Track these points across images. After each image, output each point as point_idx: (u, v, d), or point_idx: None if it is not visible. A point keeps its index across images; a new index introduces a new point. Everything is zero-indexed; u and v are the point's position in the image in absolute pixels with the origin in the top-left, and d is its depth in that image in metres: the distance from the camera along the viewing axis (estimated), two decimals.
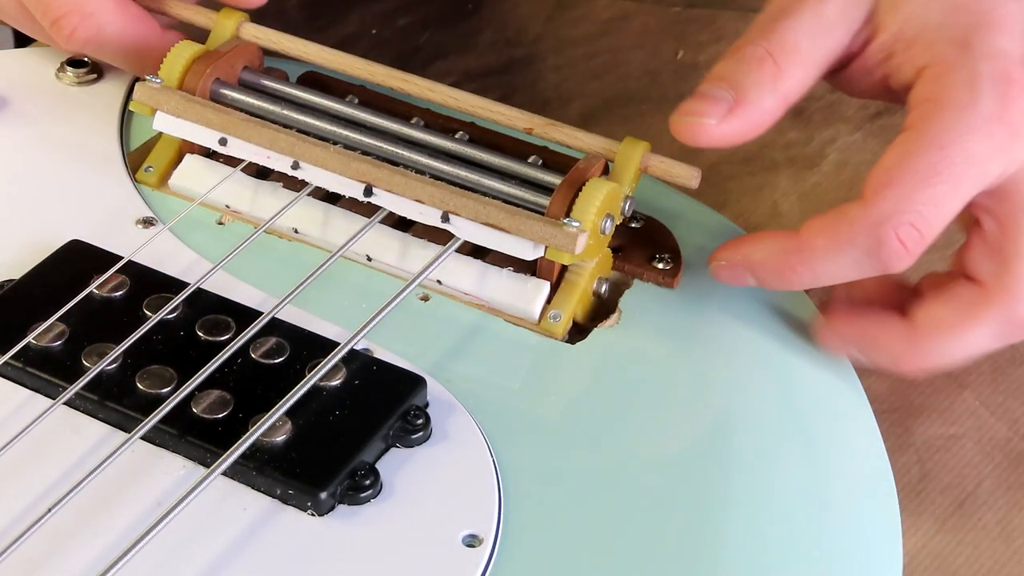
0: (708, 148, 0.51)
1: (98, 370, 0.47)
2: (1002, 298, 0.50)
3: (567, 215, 0.50)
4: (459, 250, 0.52)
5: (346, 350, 0.47)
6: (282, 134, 0.54)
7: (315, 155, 0.53)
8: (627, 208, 0.53)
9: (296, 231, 0.54)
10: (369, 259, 0.53)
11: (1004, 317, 0.50)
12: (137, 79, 0.58)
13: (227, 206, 0.55)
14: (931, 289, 0.52)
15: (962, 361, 0.51)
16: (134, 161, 0.58)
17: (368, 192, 0.52)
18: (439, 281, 0.52)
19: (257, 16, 0.59)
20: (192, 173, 0.56)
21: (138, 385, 0.47)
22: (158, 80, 0.55)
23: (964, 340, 0.51)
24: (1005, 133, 0.49)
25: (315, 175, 0.53)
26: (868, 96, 0.54)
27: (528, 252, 0.51)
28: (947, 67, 0.50)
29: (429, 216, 0.52)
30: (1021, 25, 0.50)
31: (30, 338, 0.48)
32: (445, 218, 0.51)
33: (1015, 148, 0.49)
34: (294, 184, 0.54)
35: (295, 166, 0.53)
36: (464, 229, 0.51)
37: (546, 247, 0.50)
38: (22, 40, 0.67)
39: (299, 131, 0.55)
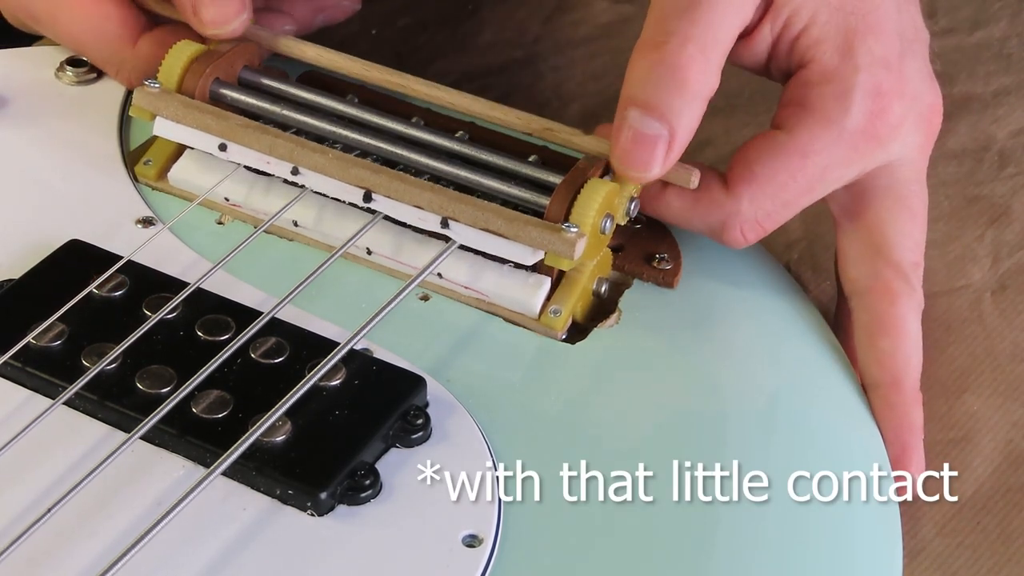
0: None
1: (98, 370, 0.47)
2: (907, 292, 0.53)
3: (567, 215, 0.50)
4: (460, 245, 0.52)
5: (346, 350, 0.47)
6: (281, 140, 0.53)
7: (314, 161, 0.53)
8: (632, 209, 0.53)
9: (296, 224, 0.54)
10: (369, 252, 0.53)
11: (917, 306, 0.53)
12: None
13: (226, 199, 0.55)
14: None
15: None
16: (133, 159, 0.58)
17: (368, 198, 0.52)
18: (440, 275, 0.52)
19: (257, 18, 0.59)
20: (192, 167, 0.56)
21: (138, 385, 0.47)
22: (156, 84, 0.55)
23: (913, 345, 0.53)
24: (869, 144, 0.52)
25: (315, 181, 0.53)
26: (743, 67, 0.55)
27: (527, 257, 0.51)
28: (824, 75, 0.52)
29: (429, 221, 0.52)
30: (894, 23, 0.53)
31: (30, 338, 0.48)
32: (444, 223, 0.51)
33: (876, 153, 0.52)
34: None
35: (295, 171, 0.53)
36: (463, 234, 0.51)
37: (545, 253, 0.50)
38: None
39: (299, 131, 0.55)
